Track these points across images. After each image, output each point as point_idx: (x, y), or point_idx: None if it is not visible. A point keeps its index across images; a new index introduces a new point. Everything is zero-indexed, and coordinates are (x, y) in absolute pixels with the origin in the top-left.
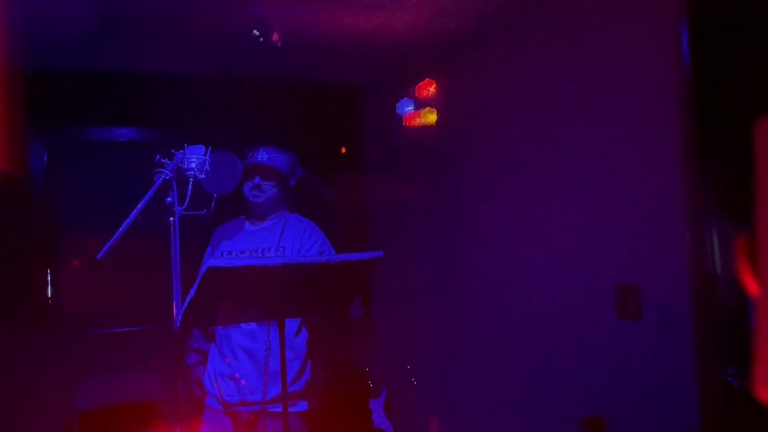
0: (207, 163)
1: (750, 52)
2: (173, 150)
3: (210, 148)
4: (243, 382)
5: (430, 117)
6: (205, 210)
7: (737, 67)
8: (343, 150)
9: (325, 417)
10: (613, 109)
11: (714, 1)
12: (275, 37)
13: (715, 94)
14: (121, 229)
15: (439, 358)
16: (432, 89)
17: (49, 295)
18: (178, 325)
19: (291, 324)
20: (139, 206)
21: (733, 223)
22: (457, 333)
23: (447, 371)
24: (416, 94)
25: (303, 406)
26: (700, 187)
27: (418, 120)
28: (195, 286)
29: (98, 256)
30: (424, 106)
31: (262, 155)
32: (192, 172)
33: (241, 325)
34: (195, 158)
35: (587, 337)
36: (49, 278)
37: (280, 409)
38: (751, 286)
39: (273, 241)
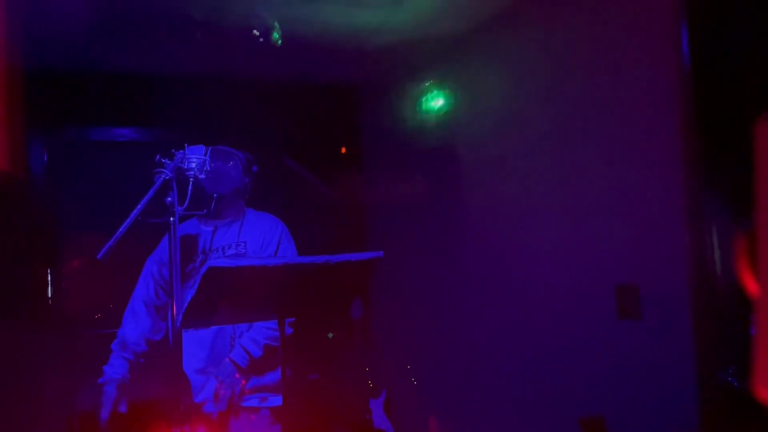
0: (207, 163)
1: (750, 52)
2: (173, 150)
3: (210, 148)
4: (220, 382)
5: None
6: (205, 210)
7: (737, 67)
8: (343, 150)
9: (305, 416)
10: (612, 108)
11: (714, 1)
12: (275, 36)
13: (715, 94)
14: (121, 229)
15: (439, 358)
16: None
17: (49, 295)
18: (178, 325)
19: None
20: (139, 206)
21: (733, 223)
22: (457, 333)
23: (447, 371)
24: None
25: (276, 401)
26: (700, 187)
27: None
28: (195, 286)
29: (98, 256)
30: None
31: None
32: (192, 172)
33: None
34: (195, 158)
35: (587, 337)
36: (49, 278)
37: (252, 403)
38: (751, 286)
39: (232, 237)
